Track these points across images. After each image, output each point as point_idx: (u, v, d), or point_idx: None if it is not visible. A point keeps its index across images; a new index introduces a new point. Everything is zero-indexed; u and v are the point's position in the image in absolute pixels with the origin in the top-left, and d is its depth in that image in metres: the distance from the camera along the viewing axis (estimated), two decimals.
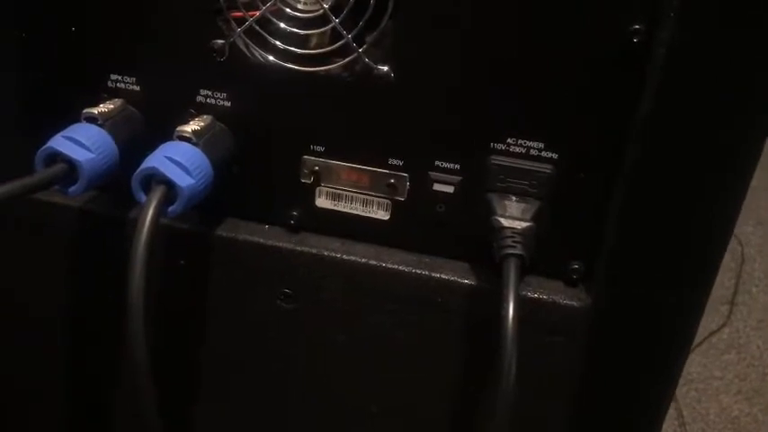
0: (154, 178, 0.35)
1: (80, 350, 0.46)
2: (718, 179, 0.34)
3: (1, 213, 0.42)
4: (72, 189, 0.37)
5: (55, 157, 0.36)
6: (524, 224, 0.35)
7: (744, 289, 1.39)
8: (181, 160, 0.36)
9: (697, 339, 0.46)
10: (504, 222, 0.35)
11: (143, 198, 0.35)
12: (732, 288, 1.38)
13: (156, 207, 0.34)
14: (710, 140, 0.33)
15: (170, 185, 0.35)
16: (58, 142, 0.36)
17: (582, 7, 0.33)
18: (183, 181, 0.35)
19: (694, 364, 1.24)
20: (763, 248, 1.48)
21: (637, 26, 0.33)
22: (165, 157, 0.36)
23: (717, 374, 1.26)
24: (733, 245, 1.42)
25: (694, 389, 1.22)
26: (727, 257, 0.45)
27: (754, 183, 0.34)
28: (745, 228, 1.50)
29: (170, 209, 0.36)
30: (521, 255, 0.34)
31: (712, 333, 1.30)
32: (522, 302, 0.35)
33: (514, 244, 0.34)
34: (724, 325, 1.32)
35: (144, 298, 0.33)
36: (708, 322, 1.30)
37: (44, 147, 0.36)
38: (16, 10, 0.40)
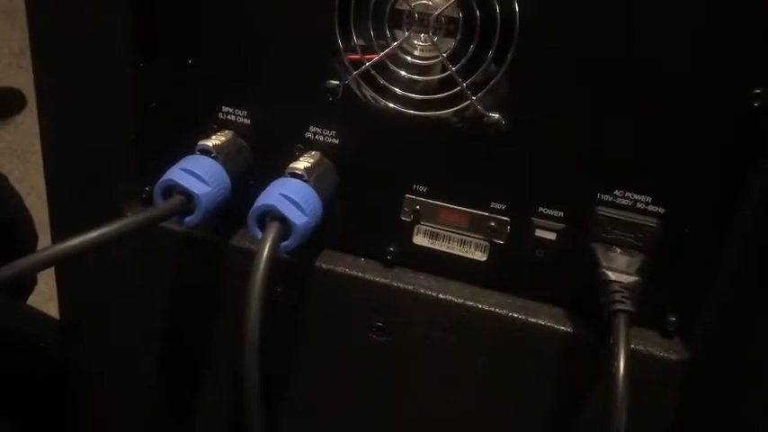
0: (269, 215, 0.37)
1: (177, 370, 0.48)
2: None
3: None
4: (188, 219, 0.38)
5: (173, 189, 0.38)
6: (631, 278, 0.36)
7: None
8: (295, 198, 0.37)
9: None
10: (612, 276, 0.36)
11: (258, 233, 0.37)
12: None
13: (272, 243, 0.35)
14: None
15: (284, 222, 0.36)
16: (177, 175, 0.38)
17: (703, 68, 0.33)
18: (297, 219, 0.36)
19: None
20: None
21: (758, 90, 0.33)
22: (281, 194, 0.37)
23: None
24: None
25: None
26: None
27: None
28: None
29: (283, 244, 0.37)
30: (630, 311, 0.34)
31: None
32: None
33: (624, 299, 0.34)
34: None
35: (259, 331, 0.34)
36: None
37: (163, 179, 0.38)
38: (135, 40, 0.41)
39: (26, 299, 0.71)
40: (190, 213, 0.38)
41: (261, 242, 0.35)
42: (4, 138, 1.56)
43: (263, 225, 0.37)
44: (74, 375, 0.52)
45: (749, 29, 0.32)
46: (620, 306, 0.34)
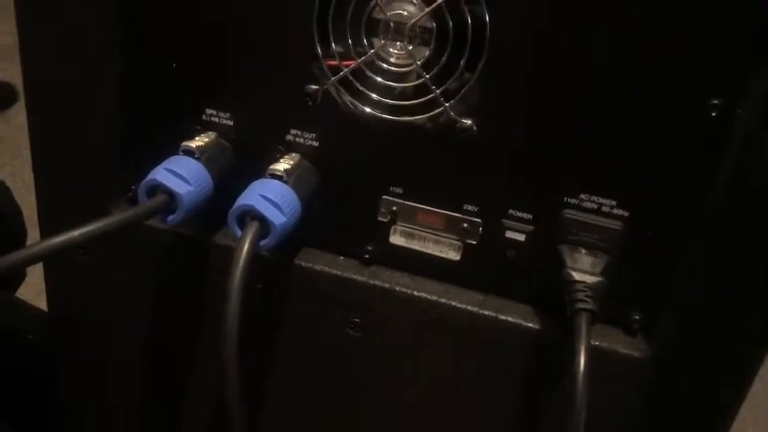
0: (249, 214, 0.38)
1: (162, 364, 0.49)
2: None
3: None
4: (171, 218, 0.39)
5: (156, 188, 0.39)
6: (595, 279, 0.37)
7: None
8: (274, 198, 0.38)
9: None
10: (576, 276, 0.37)
11: (238, 232, 0.38)
12: None
13: (251, 242, 0.37)
14: None
15: (263, 221, 0.38)
16: (160, 174, 0.39)
17: (665, 80, 0.35)
18: (276, 219, 0.38)
19: None
20: None
21: (715, 101, 0.35)
22: (260, 195, 0.38)
23: None
24: None
25: None
26: None
27: None
28: None
29: (262, 243, 0.38)
30: (592, 310, 0.36)
31: None
32: None
33: (586, 299, 0.36)
34: None
35: (238, 326, 0.36)
36: None
37: (147, 179, 0.39)
38: (120, 42, 0.42)
39: (15, 291, 0.72)
40: (173, 212, 0.39)
41: (240, 241, 0.37)
42: None
43: (243, 224, 0.38)
44: (61, 369, 0.54)
45: (708, 44, 0.34)
46: (581, 305, 0.36)
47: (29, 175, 0.48)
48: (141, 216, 0.38)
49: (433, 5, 0.36)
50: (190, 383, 0.50)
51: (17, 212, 0.64)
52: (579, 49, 0.36)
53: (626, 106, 0.36)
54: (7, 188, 0.65)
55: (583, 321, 0.35)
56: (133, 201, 0.46)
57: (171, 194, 0.39)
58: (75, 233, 0.34)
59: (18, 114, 1.57)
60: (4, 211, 0.62)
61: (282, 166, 0.40)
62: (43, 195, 0.47)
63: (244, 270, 0.36)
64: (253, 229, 0.37)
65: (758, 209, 0.35)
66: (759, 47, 0.33)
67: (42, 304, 0.59)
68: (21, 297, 0.71)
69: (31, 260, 0.33)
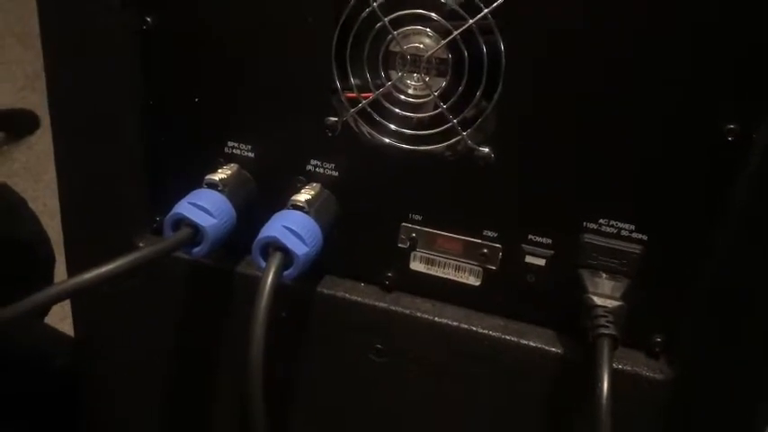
0: (272, 246, 0.39)
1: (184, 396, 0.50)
2: None
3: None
4: (196, 250, 0.40)
5: (181, 221, 0.40)
6: (616, 303, 0.38)
7: None
8: (296, 229, 0.39)
9: None
10: (597, 300, 0.38)
11: (262, 263, 0.39)
12: None
13: (275, 273, 0.38)
14: None
15: (286, 252, 0.39)
16: (185, 208, 0.40)
17: (681, 106, 0.35)
18: (299, 249, 0.38)
19: None
20: None
21: (731, 126, 0.35)
22: (283, 226, 0.39)
23: None
24: None
25: None
26: None
27: None
28: None
29: (285, 273, 0.39)
30: (614, 335, 0.36)
31: None
32: None
33: (608, 324, 0.36)
34: None
35: (264, 357, 0.36)
36: None
37: (172, 212, 0.40)
38: (145, 79, 0.44)
39: (43, 317, 0.73)
40: (198, 245, 0.40)
41: (264, 272, 0.38)
42: (18, 158, 1.59)
43: (266, 255, 0.39)
44: (86, 394, 0.55)
45: (724, 71, 0.34)
46: (603, 330, 0.36)
47: (50, 201, 0.49)
48: (167, 250, 0.39)
49: (449, 38, 0.37)
50: (214, 411, 0.51)
51: (46, 241, 0.65)
52: (594, 77, 0.36)
53: (642, 131, 0.37)
54: (36, 217, 0.67)
55: (605, 347, 0.35)
56: (158, 231, 0.47)
57: (196, 228, 0.40)
58: (103, 270, 0.35)
59: (39, 141, 1.60)
60: (35, 239, 0.64)
61: (303, 196, 0.41)
62: (70, 225, 0.49)
63: (268, 300, 0.37)
64: (276, 260, 0.38)
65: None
66: None
67: (66, 329, 0.60)
68: (46, 322, 0.72)
69: (62, 297, 0.34)
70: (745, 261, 0.37)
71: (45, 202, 1.20)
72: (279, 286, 0.44)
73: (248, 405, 0.37)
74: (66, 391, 0.58)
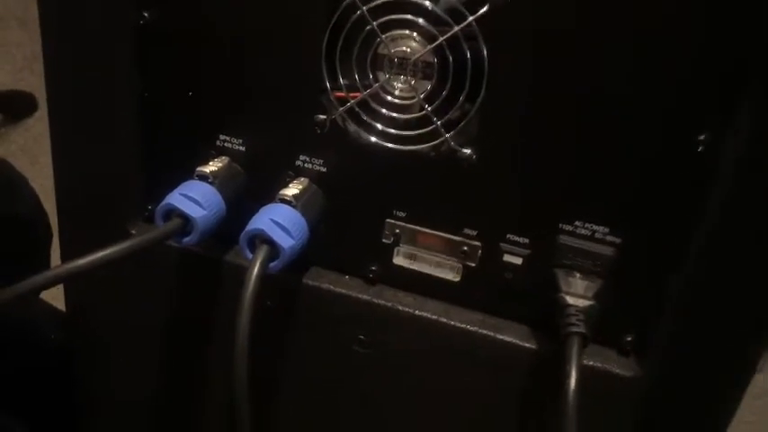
0: (259, 238, 0.40)
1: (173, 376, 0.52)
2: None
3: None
4: (186, 240, 0.42)
5: (172, 212, 0.41)
6: (587, 302, 0.39)
7: None
8: (283, 223, 0.40)
9: None
10: (569, 300, 0.39)
11: (249, 255, 0.40)
12: None
13: (261, 265, 0.39)
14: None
15: (273, 245, 0.40)
16: (176, 199, 0.41)
17: (655, 116, 0.37)
18: (285, 242, 0.40)
19: None
20: None
21: (701, 137, 0.36)
22: (270, 219, 0.40)
23: (749, 419, 1.27)
24: None
25: None
26: None
27: None
28: None
29: (272, 265, 0.40)
30: (584, 333, 0.38)
31: None
32: None
33: (578, 322, 0.38)
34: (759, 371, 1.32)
35: (249, 345, 0.38)
36: None
37: (163, 203, 0.41)
38: (140, 73, 0.45)
39: (37, 295, 0.74)
40: (188, 234, 0.42)
41: (250, 264, 0.39)
42: (16, 140, 1.60)
43: (253, 247, 0.40)
44: (78, 369, 0.56)
45: (694, 80, 0.36)
46: (573, 329, 0.38)
47: (46, 182, 0.50)
48: (158, 239, 0.40)
49: (435, 43, 0.38)
50: (201, 391, 0.52)
51: (45, 219, 0.66)
52: (572, 84, 0.37)
53: (616, 139, 0.38)
54: (35, 194, 0.68)
55: (575, 344, 0.37)
56: (150, 219, 0.48)
57: (186, 218, 0.41)
58: (98, 255, 0.36)
59: (37, 124, 1.61)
60: (35, 217, 0.65)
61: (291, 191, 0.42)
62: (65, 212, 0.50)
63: (254, 291, 0.38)
64: (263, 252, 0.39)
65: (745, 236, 0.37)
66: (743, 83, 0.35)
67: (59, 305, 0.62)
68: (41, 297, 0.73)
69: (54, 282, 0.35)
70: (715, 265, 0.38)
71: (41, 183, 1.21)
72: (265, 276, 0.46)
73: (233, 389, 0.39)
74: (62, 366, 0.60)
